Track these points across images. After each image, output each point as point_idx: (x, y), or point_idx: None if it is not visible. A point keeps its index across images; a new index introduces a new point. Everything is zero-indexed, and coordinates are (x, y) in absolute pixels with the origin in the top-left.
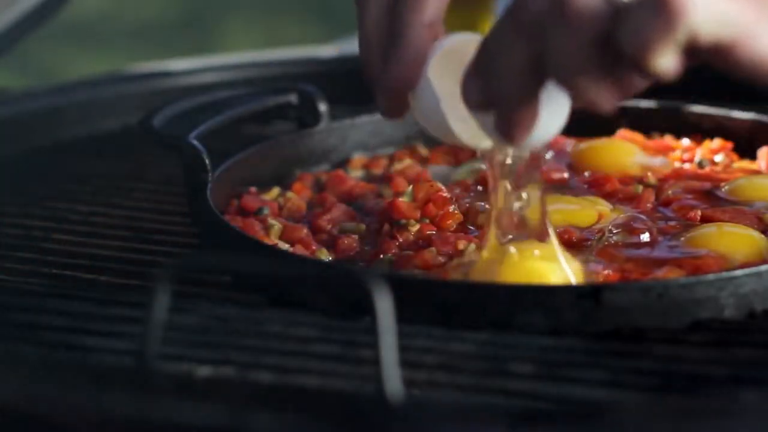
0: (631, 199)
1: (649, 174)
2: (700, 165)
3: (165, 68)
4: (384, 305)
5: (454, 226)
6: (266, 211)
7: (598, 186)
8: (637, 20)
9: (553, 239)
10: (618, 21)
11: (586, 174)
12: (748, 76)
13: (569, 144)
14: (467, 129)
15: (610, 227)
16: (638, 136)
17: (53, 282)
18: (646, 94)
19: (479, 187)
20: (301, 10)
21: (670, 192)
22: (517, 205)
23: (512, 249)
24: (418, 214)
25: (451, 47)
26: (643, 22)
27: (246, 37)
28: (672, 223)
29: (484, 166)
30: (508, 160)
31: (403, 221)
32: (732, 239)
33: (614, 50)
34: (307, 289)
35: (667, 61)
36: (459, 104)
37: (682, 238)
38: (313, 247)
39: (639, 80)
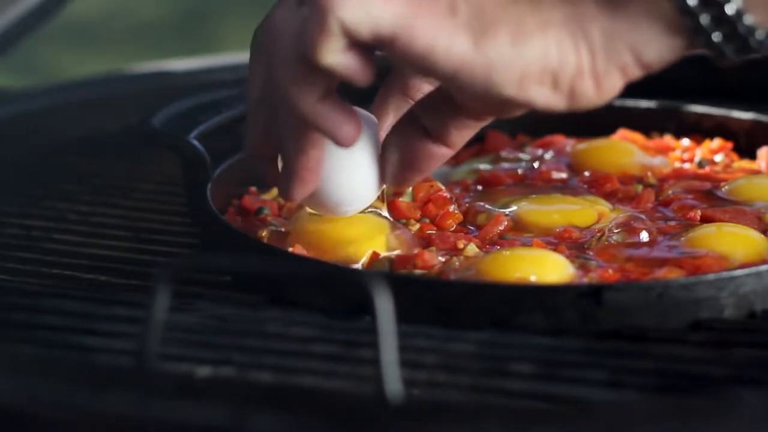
0: (631, 199)
1: (649, 174)
2: (700, 165)
3: (165, 68)
4: (384, 305)
5: (454, 226)
6: (266, 211)
7: (598, 186)
8: (304, 23)
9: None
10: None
11: (586, 174)
12: (416, 67)
13: (569, 144)
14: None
15: (610, 227)
16: (638, 136)
17: (53, 282)
18: (646, 94)
19: (479, 187)
20: None
21: (670, 192)
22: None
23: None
24: (418, 214)
25: None
26: (307, 23)
27: (246, 37)
28: (672, 223)
29: (481, 166)
30: None
31: (403, 221)
32: (732, 239)
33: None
34: (307, 289)
35: (333, 55)
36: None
37: (682, 238)
38: None
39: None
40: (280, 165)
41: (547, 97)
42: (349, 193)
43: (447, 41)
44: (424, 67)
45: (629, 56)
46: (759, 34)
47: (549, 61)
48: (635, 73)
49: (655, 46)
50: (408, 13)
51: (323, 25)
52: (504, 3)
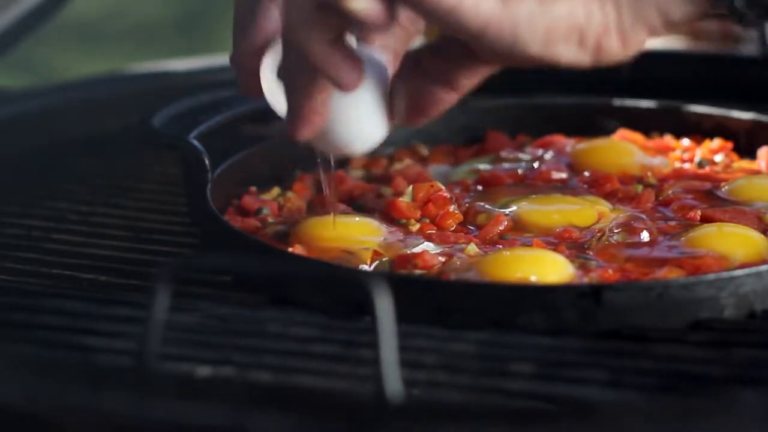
0: (631, 199)
1: (649, 174)
2: (700, 165)
3: (165, 68)
4: (384, 305)
5: (454, 226)
6: (266, 211)
7: (598, 186)
8: None
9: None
10: None
11: (586, 174)
12: (442, 23)
13: (569, 144)
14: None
15: (610, 227)
16: (638, 136)
17: (53, 282)
18: (646, 94)
19: (479, 187)
20: None
21: (670, 192)
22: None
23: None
24: (418, 214)
25: None
26: None
27: None
28: (672, 223)
29: (481, 166)
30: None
31: (403, 221)
32: (732, 239)
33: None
34: (307, 289)
35: (361, 2)
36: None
37: (682, 238)
38: None
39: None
40: (278, 104)
41: (573, 55)
42: (357, 132)
43: None
44: (450, 23)
45: (655, 15)
46: None
47: (575, 19)
48: (660, 30)
49: (680, 6)
50: None
51: None
52: None
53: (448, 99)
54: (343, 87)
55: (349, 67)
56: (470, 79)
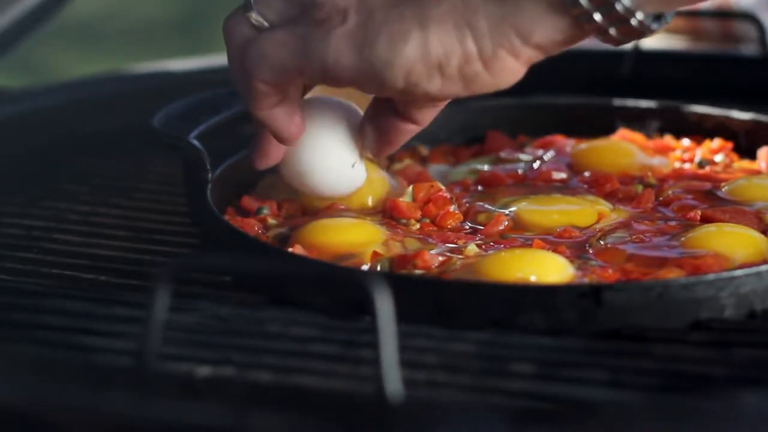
0: (631, 199)
1: (649, 174)
2: (700, 165)
3: (165, 68)
4: (384, 305)
5: (454, 226)
6: (266, 211)
7: (598, 186)
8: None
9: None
10: None
11: (586, 174)
12: (320, 83)
13: (569, 144)
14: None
15: (610, 227)
16: (638, 136)
17: (53, 282)
18: (646, 94)
19: (479, 187)
20: None
21: (670, 192)
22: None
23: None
24: (418, 214)
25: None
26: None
27: None
28: (672, 223)
29: (482, 166)
30: None
31: (403, 221)
32: (732, 239)
33: None
34: (307, 289)
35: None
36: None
37: (682, 238)
38: None
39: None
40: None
41: (439, 86)
42: (329, 177)
43: (334, 55)
44: (327, 81)
45: (516, 39)
46: (639, 15)
47: (430, 55)
48: (528, 53)
49: (542, 27)
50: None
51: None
52: (389, 5)
53: (408, 129)
54: (283, 141)
55: (287, 125)
56: (423, 115)
